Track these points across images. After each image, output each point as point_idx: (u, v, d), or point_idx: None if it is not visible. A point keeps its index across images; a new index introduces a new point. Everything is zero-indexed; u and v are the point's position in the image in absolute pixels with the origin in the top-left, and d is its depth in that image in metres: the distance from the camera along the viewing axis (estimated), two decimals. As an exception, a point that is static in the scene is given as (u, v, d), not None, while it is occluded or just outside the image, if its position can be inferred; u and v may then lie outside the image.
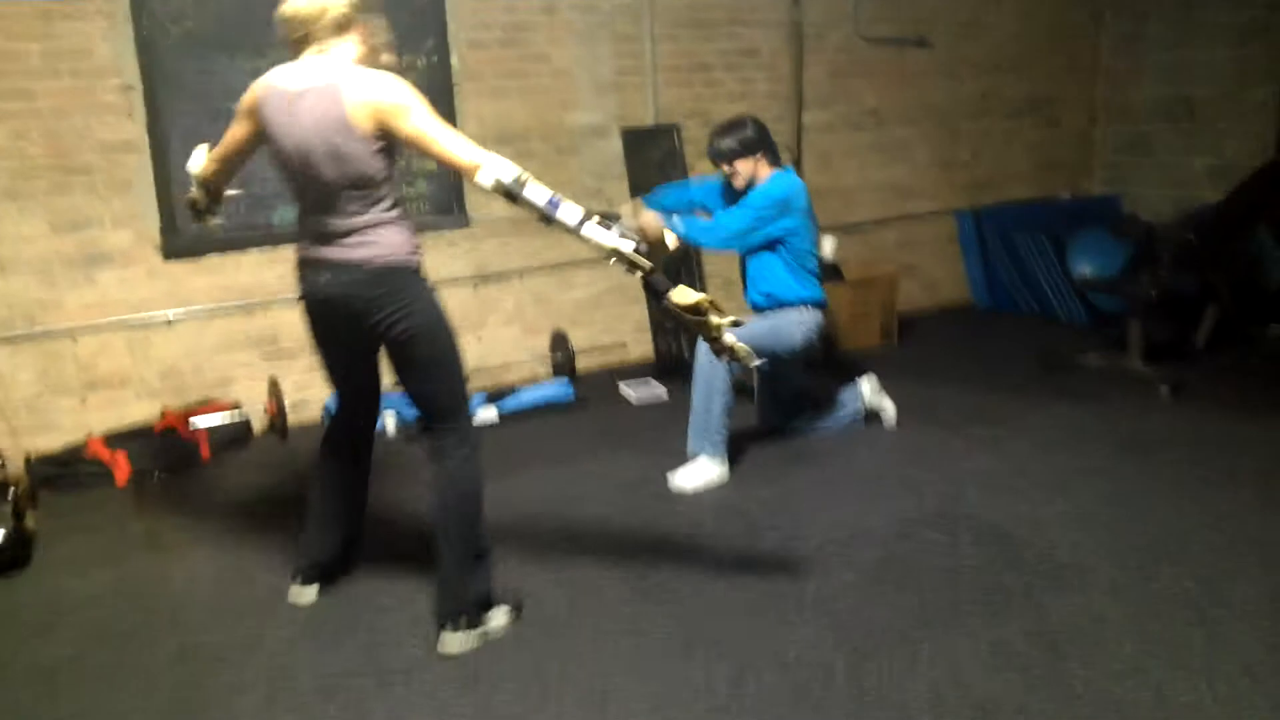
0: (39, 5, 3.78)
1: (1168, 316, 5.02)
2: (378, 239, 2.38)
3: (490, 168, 2.26)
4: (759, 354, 3.61)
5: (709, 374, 3.60)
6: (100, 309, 4.12)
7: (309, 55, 2.35)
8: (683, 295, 2.34)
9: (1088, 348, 4.98)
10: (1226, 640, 2.41)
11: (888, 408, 4.17)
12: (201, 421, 4.19)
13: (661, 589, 2.82)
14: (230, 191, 2.86)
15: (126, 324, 4.19)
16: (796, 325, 3.70)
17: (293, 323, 4.04)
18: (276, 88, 2.37)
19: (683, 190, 3.97)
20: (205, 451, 4.16)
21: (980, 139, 6.47)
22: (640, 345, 5.41)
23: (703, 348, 3.59)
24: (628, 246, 2.30)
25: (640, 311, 5.34)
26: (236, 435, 4.34)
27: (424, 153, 2.32)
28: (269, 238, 4.39)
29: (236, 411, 4.35)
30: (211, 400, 4.37)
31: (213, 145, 2.70)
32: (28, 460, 3.92)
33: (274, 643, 2.65)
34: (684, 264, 4.85)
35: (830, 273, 5.40)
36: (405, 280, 2.41)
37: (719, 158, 3.64)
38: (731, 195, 3.73)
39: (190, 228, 4.22)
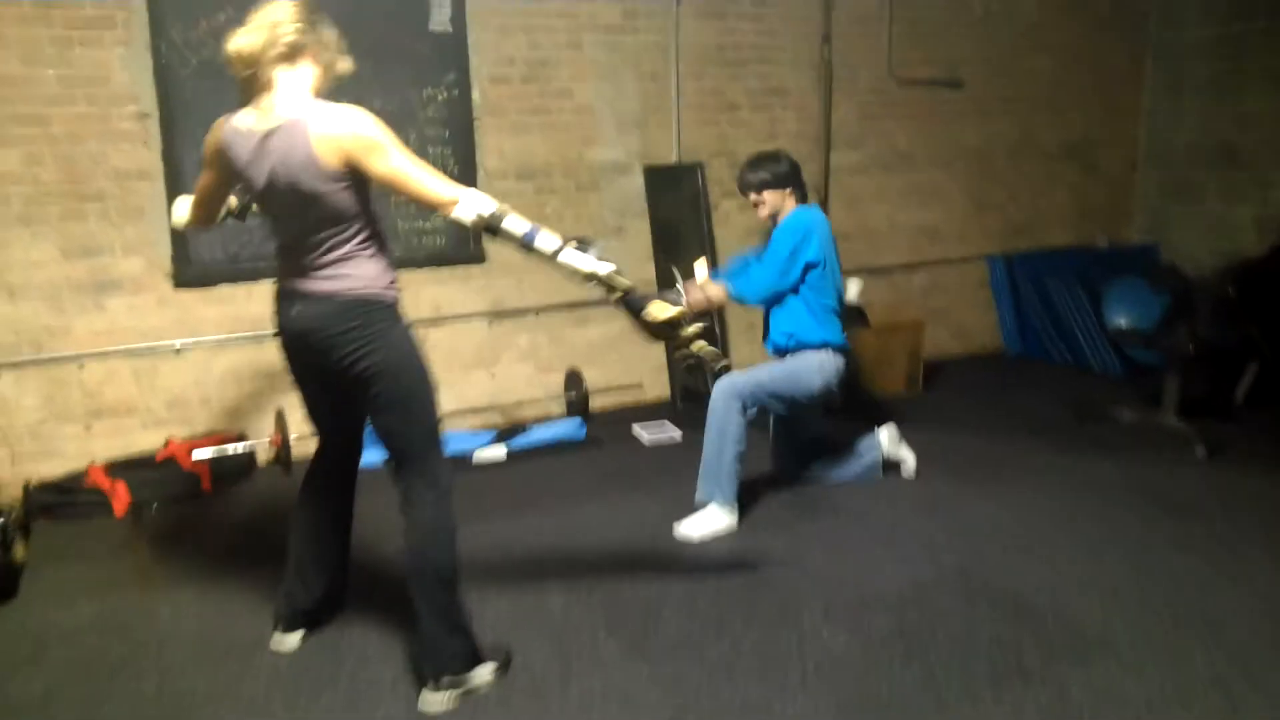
0: (57, 32, 3.79)
1: (1206, 371, 4.81)
2: (349, 272, 2.32)
3: (470, 202, 2.23)
4: (777, 400, 3.54)
5: (723, 420, 3.48)
6: (108, 336, 4.09)
7: (265, 93, 2.26)
8: (662, 310, 2.39)
9: (1121, 401, 4.79)
10: (1262, 732, 2.23)
11: (907, 458, 4.01)
12: (204, 452, 4.13)
13: (658, 649, 2.68)
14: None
15: (134, 352, 4.15)
16: (816, 370, 3.57)
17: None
18: (240, 129, 2.29)
19: (745, 262, 3.84)
20: (206, 483, 4.10)
21: (1015, 183, 6.33)
22: (657, 387, 5.30)
23: (717, 393, 3.50)
24: (606, 269, 2.33)
25: (657, 352, 5.24)
26: (239, 467, 4.28)
27: (399, 192, 2.26)
28: (281, 268, 4.34)
29: (240, 443, 4.29)
30: (216, 431, 4.32)
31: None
32: (26, 487, 3.87)
33: (252, 690, 2.55)
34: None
35: (854, 317, 5.27)
36: (374, 314, 2.33)
37: (748, 187, 3.60)
38: None
39: (203, 257, 4.21)
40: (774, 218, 3.60)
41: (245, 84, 2.26)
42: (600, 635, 2.77)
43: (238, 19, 2.28)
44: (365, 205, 2.33)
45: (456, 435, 4.63)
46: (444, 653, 2.41)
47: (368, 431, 2.54)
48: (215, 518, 3.87)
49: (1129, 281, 5.35)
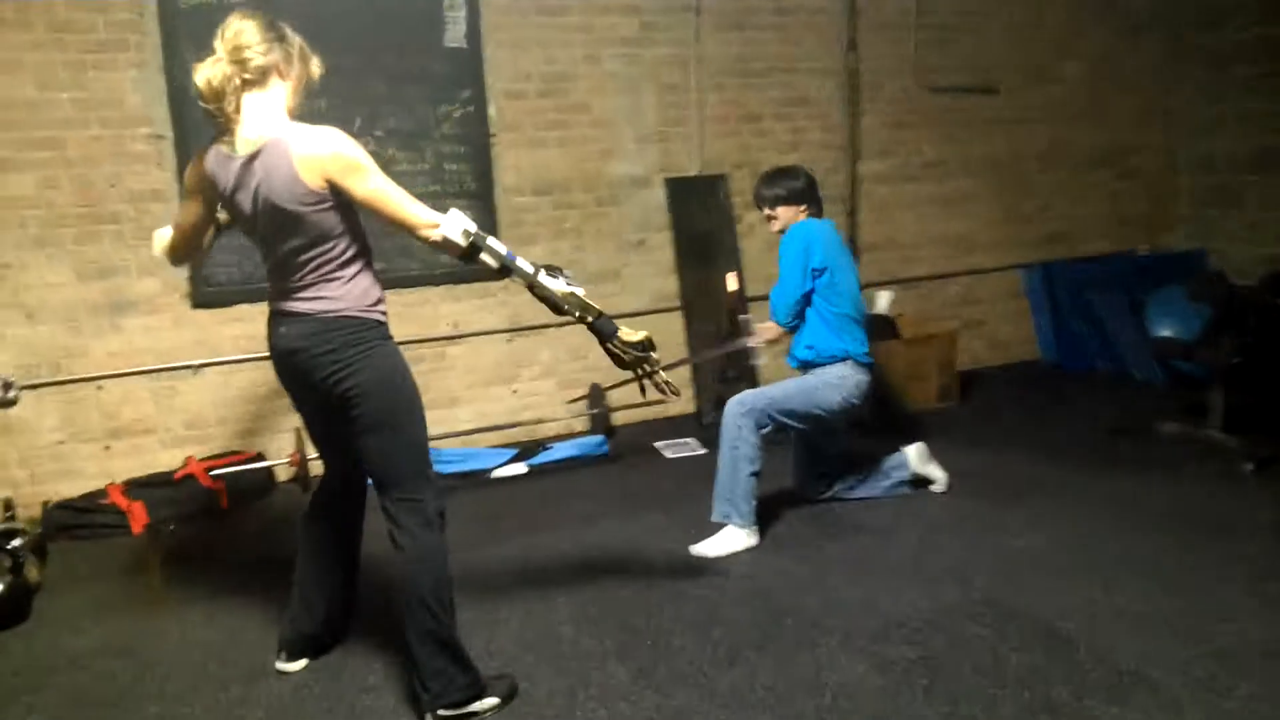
0: (71, 56, 3.81)
1: (1254, 382, 4.60)
2: (332, 292, 2.28)
3: (454, 222, 2.21)
4: (793, 417, 3.45)
5: (734, 439, 3.40)
6: (125, 357, 4.10)
7: (238, 121, 2.22)
8: (631, 334, 2.44)
9: (1164, 414, 4.60)
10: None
11: (937, 476, 3.87)
12: (222, 471, 4.12)
13: (668, 678, 2.57)
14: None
15: (152, 372, 4.15)
16: (835, 385, 3.47)
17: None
18: (224, 156, 2.26)
19: None
20: (225, 501, 4.08)
21: (1050, 191, 6.15)
22: (680, 403, 5.20)
23: (728, 412, 3.44)
24: (580, 293, 2.37)
25: (682, 370, 5.14)
26: (258, 485, 4.26)
27: (378, 214, 2.21)
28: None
29: (259, 462, 4.27)
30: (235, 450, 4.30)
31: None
32: (45, 506, 3.88)
33: (252, 718, 2.49)
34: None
35: (884, 329, 5.14)
36: (356, 335, 2.28)
37: (762, 202, 3.60)
38: None
39: (219, 278, 4.20)
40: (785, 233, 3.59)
41: (216, 115, 2.22)
42: (609, 663, 2.67)
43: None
44: (350, 225, 2.29)
45: (476, 453, 4.58)
46: (436, 683, 2.33)
47: None
48: (232, 537, 3.85)
49: (1172, 290, 5.16)
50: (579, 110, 4.80)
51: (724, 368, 4.99)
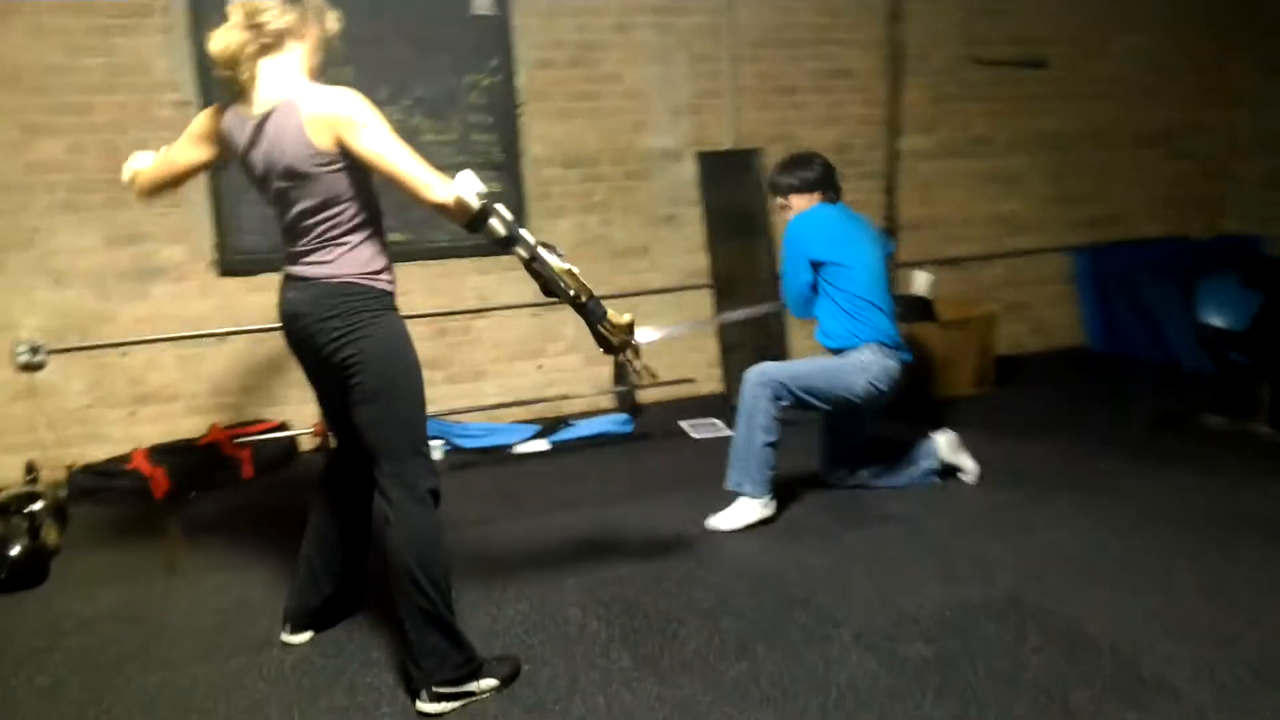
0: (98, 20, 3.80)
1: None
2: (337, 257, 2.25)
3: (468, 183, 2.12)
4: (813, 395, 3.37)
5: (750, 407, 3.37)
6: (152, 323, 4.12)
7: (254, 86, 2.20)
8: (618, 316, 2.41)
9: (1211, 406, 4.41)
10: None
11: (968, 466, 3.75)
12: (245, 439, 4.13)
13: (672, 667, 2.51)
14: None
15: (178, 339, 4.17)
16: (858, 370, 3.38)
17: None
18: (240, 115, 2.25)
19: None
20: (248, 469, 4.10)
21: (1102, 170, 5.91)
22: (710, 382, 5.12)
23: (747, 380, 3.40)
24: (576, 271, 2.33)
25: (711, 346, 5.06)
26: (281, 453, 4.27)
27: (380, 172, 2.16)
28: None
29: (282, 431, 4.28)
30: (259, 418, 4.31)
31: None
32: (70, 470, 3.92)
33: (252, 688, 2.49)
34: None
35: (920, 312, 4.99)
36: (359, 302, 2.24)
37: (775, 190, 3.57)
38: None
39: (245, 245, 4.19)
40: None
41: (232, 81, 2.20)
42: (614, 649, 2.62)
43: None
44: (360, 190, 2.25)
45: (499, 427, 4.55)
46: (428, 660, 2.29)
47: None
48: (252, 505, 3.85)
49: (1224, 278, 4.93)
50: (610, 80, 4.70)
51: (766, 346, 4.90)
